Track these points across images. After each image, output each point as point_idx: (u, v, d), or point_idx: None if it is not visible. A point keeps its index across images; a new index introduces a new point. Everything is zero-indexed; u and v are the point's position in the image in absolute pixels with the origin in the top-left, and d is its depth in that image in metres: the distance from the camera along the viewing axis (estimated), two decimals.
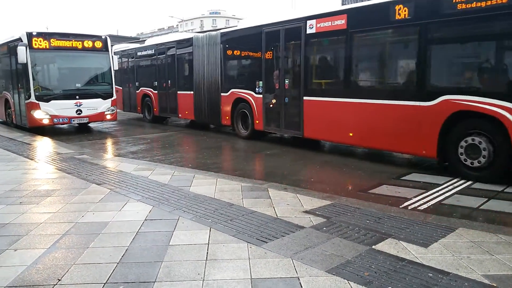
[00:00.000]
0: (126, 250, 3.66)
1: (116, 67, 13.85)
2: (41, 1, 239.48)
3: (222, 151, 10.38)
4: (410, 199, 5.55)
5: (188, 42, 13.48)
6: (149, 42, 17.13)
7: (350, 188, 6.47)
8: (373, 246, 3.68)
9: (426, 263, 3.35)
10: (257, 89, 10.60)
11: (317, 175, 7.41)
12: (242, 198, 5.26)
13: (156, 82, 15.30)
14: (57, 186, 5.96)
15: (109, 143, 11.72)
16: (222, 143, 11.37)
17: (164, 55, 14.76)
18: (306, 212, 4.68)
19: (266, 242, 3.78)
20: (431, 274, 3.15)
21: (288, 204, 5.01)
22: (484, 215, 4.92)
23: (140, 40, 35.86)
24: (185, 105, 13.66)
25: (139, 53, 16.53)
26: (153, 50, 15.57)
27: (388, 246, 3.70)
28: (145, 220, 4.46)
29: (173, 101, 14.37)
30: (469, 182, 6.33)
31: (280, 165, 7.99)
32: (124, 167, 7.33)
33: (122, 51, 17.65)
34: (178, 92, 14.00)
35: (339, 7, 9.30)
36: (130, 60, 17.19)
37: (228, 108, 11.71)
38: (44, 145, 10.13)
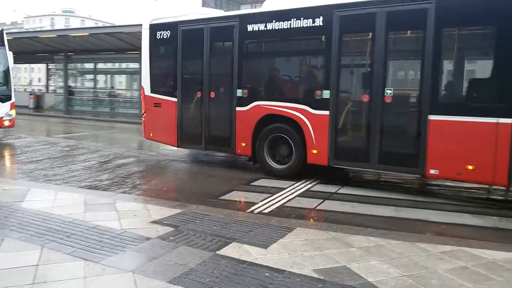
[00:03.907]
0: None
1: (12, 65, 11.67)
2: None
3: None
4: (257, 203, 5.85)
5: None
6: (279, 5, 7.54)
7: (201, 195, 6.53)
8: (217, 252, 3.75)
9: (265, 263, 3.53)
10: None
11: (169, 184, 7.31)
12: (85, 211, 4.86)
13: (322, 92, 6.92)
14: None
15: None
16: None
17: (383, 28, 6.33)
18: (154, 222, 4.56)
19: (106, 258, 3.54)
20: (268, 274, 3.33)
21: (135, 215, 4.81)
22: (319, 214, 5.46)
23: None
24: (479, 152, 5.74)
25: (256, 28, 7.58)
26: (318, 19, 6.93)
27: (231, 250, 3.81)
28: None
29: (400, 137, 6.64)
30: (310, 185, 6.98)
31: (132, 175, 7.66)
32: None
33: (185, 23, 8.69)
34: (432, 117, 5.98)
35: None
36: (215, 42, 8.44)
37: None
38: None
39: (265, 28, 7.47)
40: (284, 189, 6.67)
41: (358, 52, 7.16)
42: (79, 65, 25.26)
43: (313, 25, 6.98)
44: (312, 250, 3.88)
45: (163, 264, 3.47)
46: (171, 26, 8.80)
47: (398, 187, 7.19)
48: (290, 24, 7.17)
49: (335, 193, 6.59)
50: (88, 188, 6.39)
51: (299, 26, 7.10)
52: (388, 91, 6.35)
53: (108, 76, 26.29)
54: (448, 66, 6.54)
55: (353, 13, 6.63)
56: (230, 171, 8.43)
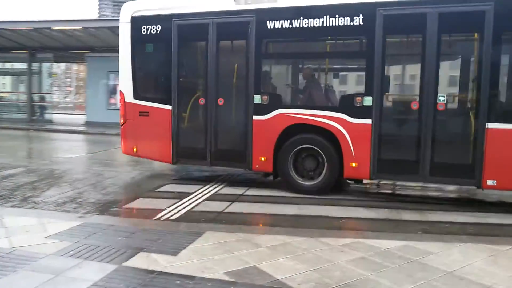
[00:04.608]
0: None
1: None
2: None
3: None
4: (164, 209, 5.69)
5: None
6: None
7: (103, 205, 6.17)
8: (123, 264, 3.56)
9: (175, 271, 3.44)
10: None
11: (66, 195, 6.76)
12: None
13: (363, 98, 6.18)
14: None
15: None
16: None
17: None
18: (50, 237, 4.18)
19: None
20: (179, 281, 3.25)
21: (28, 231, 4.36)
22: (228, 217, 5.49)
23: None
24: None
25: (279, 25, 6.53)
26: (358, 17, 6.17)
27: (139, 260, 3.65)
28: None
29: (454, 147, 6.27)
30: (217, 188, 7.00)
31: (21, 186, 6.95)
32: None
33: (181, 16, 7.19)
34: (491, 125, 5.71)
35: None
36: (223, 41, 7.16)
37: None
38: None
39: (291, 26, 6.44)
40: (191, 193, 6.59)
41: (405, 55, 6.74)
42: None
43: (351, 24, 6.16)
44: (222, 253, 3.89)
45: (62, 282, 3.19)
46: (162, 19, 7.29)
47: None
48: (323, 22, 6.29)
49: (242, 195, 6.69)
50: None
51: (333, 24, 6.25)
52: (441, 98, 5.88)
53: None
54: (508, 71, 5.99)
55: (399, 13, 6.01)
56: (134, 178, 8.08)
